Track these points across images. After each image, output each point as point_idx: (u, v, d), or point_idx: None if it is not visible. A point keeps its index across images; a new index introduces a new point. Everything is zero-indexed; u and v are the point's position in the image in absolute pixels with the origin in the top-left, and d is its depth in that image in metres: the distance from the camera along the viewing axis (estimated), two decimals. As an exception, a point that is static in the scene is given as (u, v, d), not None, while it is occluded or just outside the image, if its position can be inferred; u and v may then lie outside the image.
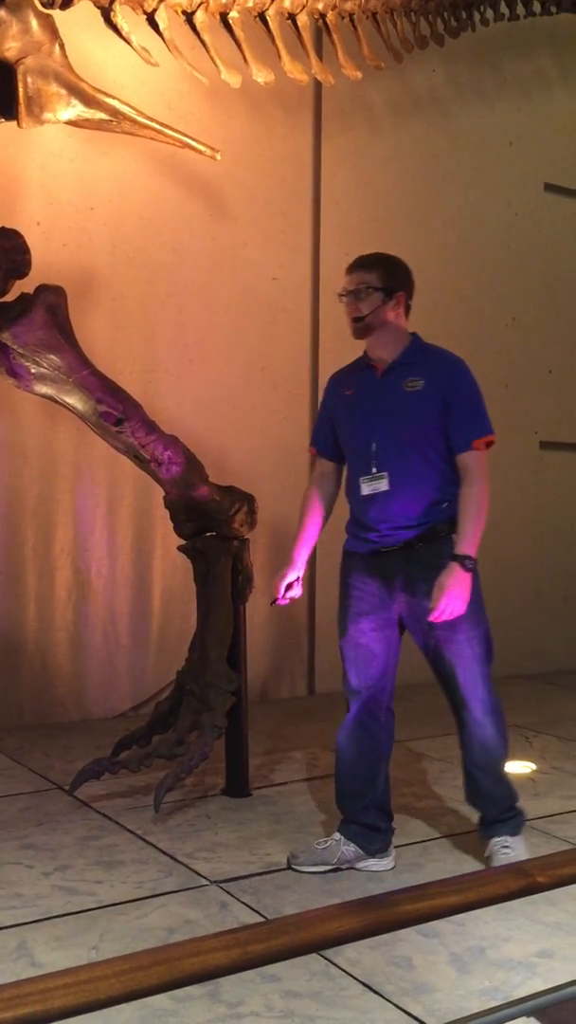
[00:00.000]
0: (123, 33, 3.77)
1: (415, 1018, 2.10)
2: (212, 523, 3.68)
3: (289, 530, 5.49)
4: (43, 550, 4.80)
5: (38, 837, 3.19)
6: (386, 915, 1.24)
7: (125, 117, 3.72)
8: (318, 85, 5.17)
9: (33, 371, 3.41)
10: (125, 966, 1.10)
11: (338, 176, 5.55)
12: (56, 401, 3.53)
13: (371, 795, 3.01)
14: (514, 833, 3.00)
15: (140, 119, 3.78)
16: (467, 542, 2.84)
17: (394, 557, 2.93)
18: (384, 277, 2.98)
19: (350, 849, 2.97)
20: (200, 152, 3.91)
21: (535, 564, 6.27)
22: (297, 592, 3.12)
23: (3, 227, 3.44)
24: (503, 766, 3.06)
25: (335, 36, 4.29)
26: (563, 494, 6.44)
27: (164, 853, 3.07)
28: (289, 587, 3.10)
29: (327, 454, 3.17)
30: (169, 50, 3.85)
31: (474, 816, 3.16)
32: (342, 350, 5.40)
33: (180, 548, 3.77)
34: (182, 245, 5.10)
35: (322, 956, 2.35)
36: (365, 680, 3.02)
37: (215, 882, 2.84)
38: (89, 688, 4.90)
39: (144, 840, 3.18)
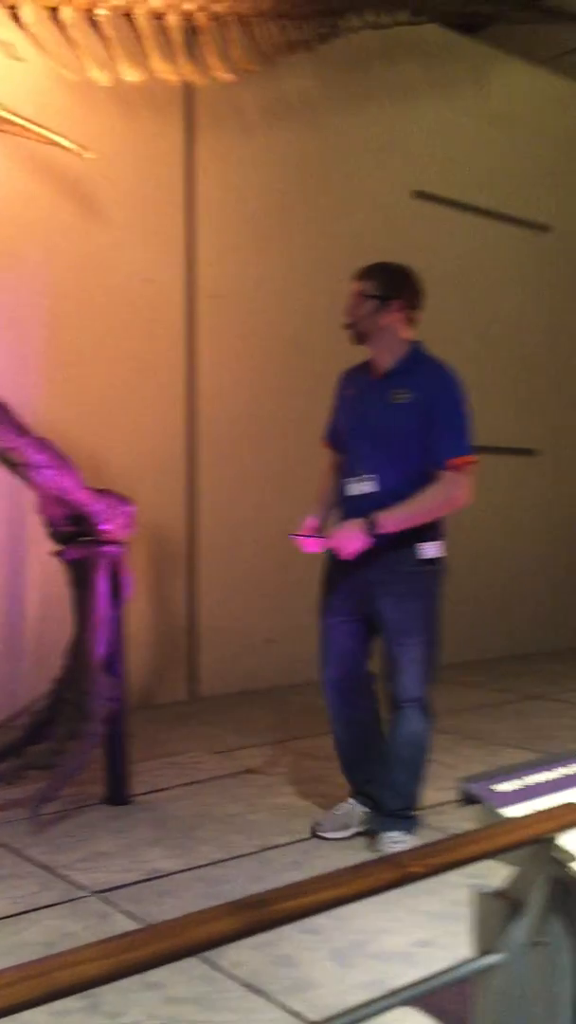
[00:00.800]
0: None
1: (297, 1015, 2.11)
2: (88, 528, 3.62)
3: (168, 534, 5.47)
4: None
5: None
6: (262, 914, 1.24)
7: (-10, 113, 3.63)
8: (189, 86, 5.15)
9: None
10: (-5, 983, 1.07)
11: (211, 177, 5.55)
12: None
13: (371, 768, 3.22)
14: (408, 832, 3.11)
15: (6, 115, 3.69)
16: (390, 513, 2.94)
17: (367, 557, 3.03)
18: (380, 286, 3.06)
19: (365, 811, 3.20)
20: (68, 150, 3.84)
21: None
22: (315, 544, 3.20)
23: None
24: (422, 768, 3.17)
25: (205, 38, 4.29)
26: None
27: (41, 866, 3.00)
28: (314, 529, 3.24)
29: (335, 444, 3.30)
30: (34, 46, 3.77)
31: (367, 811, 3.25)
32: (219, 351, 5.41)
33: (55, 554, 3.69)
34: (54, 245, 5.01)
35: (204, 960, 2.33)
36: (340, 670, 3.22)
37: (95, 892, 2.79)
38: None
39: (19, 854, 3.10)
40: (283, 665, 5.93)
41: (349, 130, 6.12)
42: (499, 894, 1.64)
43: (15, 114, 3.73)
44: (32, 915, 2.64)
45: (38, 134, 3.76)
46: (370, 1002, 1.57)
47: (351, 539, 2.98)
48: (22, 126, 3.74)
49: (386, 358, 3.09)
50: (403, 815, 3.16)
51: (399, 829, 3.11)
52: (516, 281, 7.08)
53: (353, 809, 3.24)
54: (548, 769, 1.88)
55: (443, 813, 3.51)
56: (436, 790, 3.79)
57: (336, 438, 3.28)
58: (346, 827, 3.20)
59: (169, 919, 1.22)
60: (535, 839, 1.55)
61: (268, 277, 5.78)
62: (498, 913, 1.62)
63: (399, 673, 3.10)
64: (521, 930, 1.61)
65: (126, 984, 2.17)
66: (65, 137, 3.92)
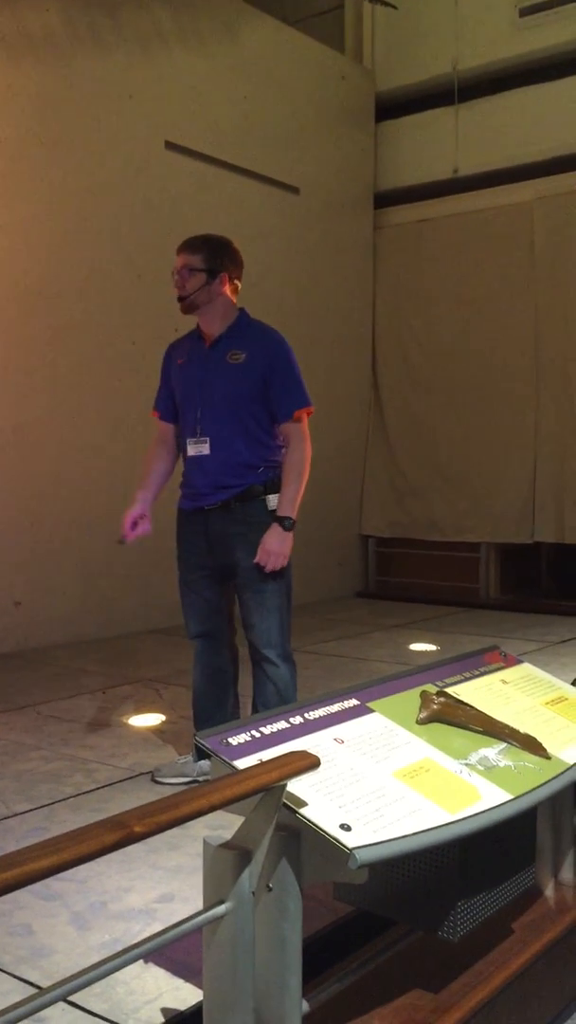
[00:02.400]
0: None
1: (32, 984, 2.06)
2: None
3: None
4: None
5: None
6: (10, 875, 1.17)
7: None
8: None
9: None
10: None
11: (-54, 112, 5.18)
12: None
13: (220, 716, 3.32)
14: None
15: None
16: (287, 504, 3.20)
17: (214, 514, 3.26)
18: (207, 259, 3.24)
19: (206, 762, 3.25)
20: None
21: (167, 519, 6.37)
22: (144, 528, 3.40)
23: None
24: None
25: None
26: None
27: None
28: (135, 525, 3.38)
29: (167, 417, 3.44)
30: None
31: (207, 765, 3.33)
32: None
33: None
34: None
35: None
36: (201, 625, 3.38)
37: None
38: None
39: None
40: (32, 628, 5.75)
41: (98, 75, 5.89)
42: (229, 844, 1.65)
43: None
44: None
45: None
46: (103, 961, 1.54)
47: (281, 547, 3.18)
48: None
49: (217, 326, 3.28)
50: None
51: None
52: (267, 240, 7.14)
53: (191, 761, 3.38)
54: (281, 719, 1.92)
55: (190, 768, 3.54)
56: (183, 746, 3.82)
57: (166, 408, 3.43)
58: (183, 776, 3.35)
59: None
60: (262, 788, 1.57)
61: (4, 225, 5.48)
62: (228, 863, 1.63)
63: (259, 622, 3.25)
64: (249, 878, 1.63)
65: None
66: None
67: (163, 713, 4.33)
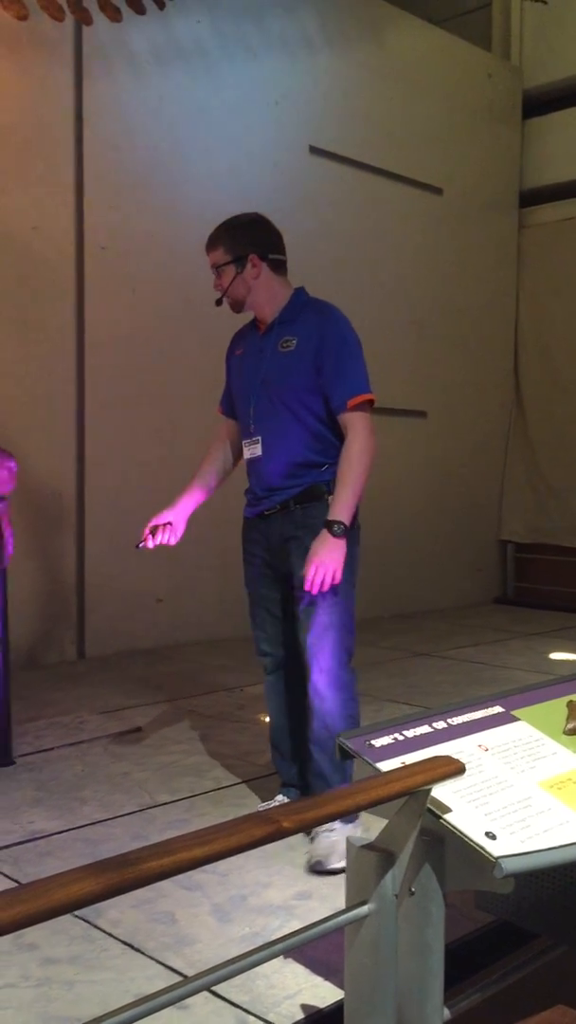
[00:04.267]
0: None
1: (176, 971, 2.12)
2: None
3: (56, 491, 5.34)
4: None
5: None
6: (127, 874, 1.22)
7: None
8: (78, 25, 4.96)
9: None
10: None
11: (102, 123, 5.38)
12: None
13: (303, 758, 2.92)
14: (344, 820, 2.69)
15: None
16: (339, 506, 2.73)
17: (275, 520, 2.89)
18: (229, 248, 2.89)
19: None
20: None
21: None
22: (167, 539, 3.03)
23: None
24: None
25: (93, -25, 4.13)
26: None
27: None
28: (156, 531, 3.02)
29: (229, 413, 3.13)
30: None
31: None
32: (108, 302, 5.29)
33: None
34: None
35: (83, 919, 2.32)
36: (272, 643, 2.99)
37: (-21, 853, 2.74)
38: None
39: None
40: (172, 624, 5.90)
41: (244, 81, 6.00)
42: (372, 846, 1.66)
43: None
44: None
45: None
46: (246, 954, 1.57)
47: (331, 564, 2.70)
48: None
49: (268, 311, 2.92)
50: None
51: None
52: (410, 242, 7.11)
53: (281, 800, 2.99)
54: (424, 723, 1.91)
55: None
56: (321, 746, 3.84)
57: (229, 404, 3.12)
58: None
59: (28, 883, 1.19)
60: (407, 791, 1.57)
61: (159, 228, 5.65)
62: (371, 865, 1.63)
63: (309, 641, 2.80)
64: (392, 881, 1.63)
65: (2, 946, 2.14)
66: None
67: (300, 713, 4.36)
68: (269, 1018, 1.93)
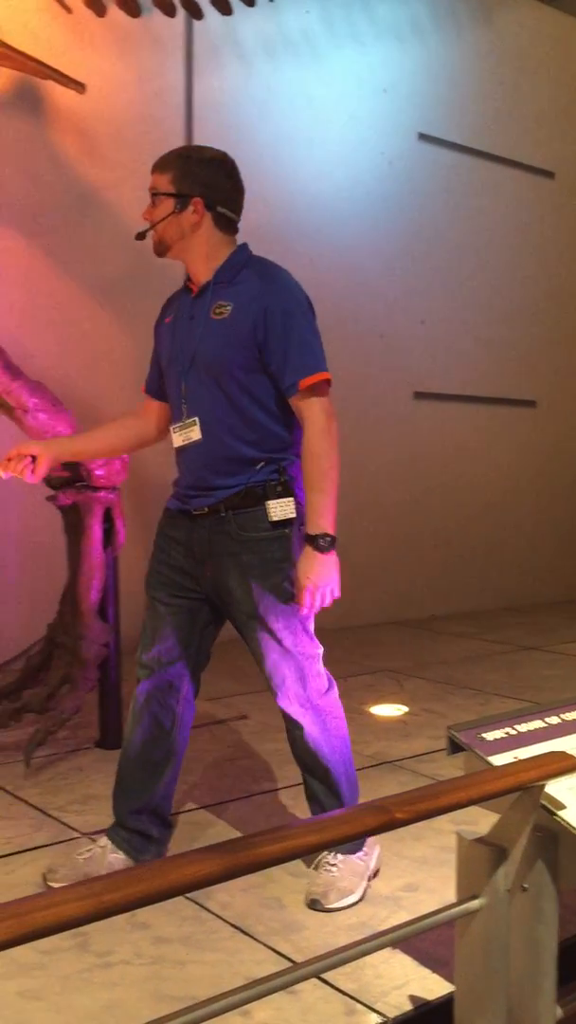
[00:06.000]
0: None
1: (285, 956, 2.14)
2: (82, 473, 3.59)
3: (165, 481, 5.44)
4: None
5: None
6: (243, 857, 1.24)
7: (-17, 45, 3.53)
8: (189, 21, 5.02)
9: None
10: (-26, 922, 1.06)
11: (211, 117, 5.43)
12: None
13: (148, 797, 2.53)
14: (348, 851, 2.47)
15: (2, 49, 3.59)
16: (317, 515, 2.31)
17: (202, 523, 2.42)
18: (175, 180, 2.37)
19: (119, 859, 2.52)
20: (65, 84, 3.75)
21: (408, 513, 6.39)
22: (25, 474, 2.42)
23: None
24: (338, 772, 2.50)
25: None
26: (436, 443, 6.56)
27: (34, 807, 3.03)
28: (14, 461, 2.43)
29: (151, 390, 2.61)
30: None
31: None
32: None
33: (49, 499, 3.67)
34: (47, 184, 4.91)
35: (193, 901, 2.36)
36: (155, 655, 2.51)
37: (86, 834, 2.82)
38: (-42, 644, 4.77)
39: (14, 795, 3.12)
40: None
41: (353, 70, 5.98)
42: (484, 840, 1.64)
43: (13, 48, 3.62)
44: (24, 855, 2.67)
45: (37, 67, 3.66)
46: (355, 944, 1.58)
47: (322, 577, 2.31)
48: (20, 60, 3.63)
49: (202, 270, 2.41)
50: None
51: (337, 850, 2.46)
52: (520, 228, 6.97)
53: (103, 855, 2.54)
54: (536, 718, 1.88)
55: (432, 761, 3.54)
56: (429, 739, 3.82)
57: (155, 381, 2.59)
58: (85, 876, 2.47)
59: (150, 861, 1.22)
60: (520, 786, 1.55)
61: (268, 220, 5.68)
62: (482, 859, 1.62)
63: (270, 670, 2.43)
64: (505, 876, 1.61)
65: (115, 924, 2.20)
66: (62, 72, 3.81)
67: (405, 704, 4.35)
68: (377, 1007, 1.93)
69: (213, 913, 2.33)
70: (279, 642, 2.39)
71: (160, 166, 2.41)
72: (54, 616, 3.65)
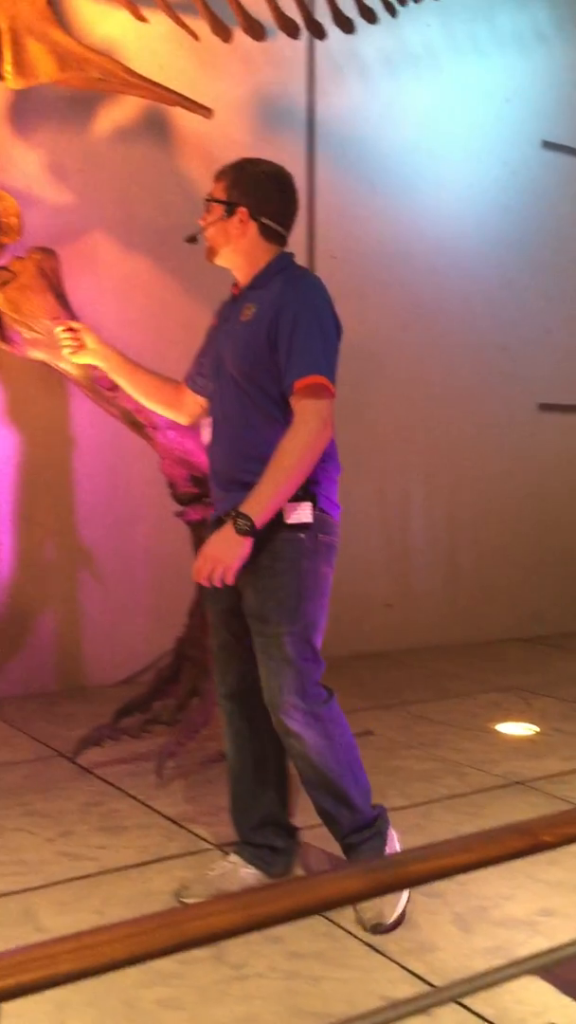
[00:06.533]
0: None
1: (419, 977, 2.11)
2: (209, 490, 3.65)
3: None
4: (41, 519, 4.79)
5: (41, 804, 3.20)
6: (391, 875, 1.23)
7: (116, 75, 3.65)
8: (311, 40, 5.07)
9: (26, 336, 3.37)
10: (129, 930, 1.08)
11: (332, 133, 5.47)
12: (51, 366, 3.49)
13: (262, 809, 2.56)
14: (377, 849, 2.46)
15: (131, 77, 3.71)
16: (254, 499, 2.26)
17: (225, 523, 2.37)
18: (227, 189, 2.47)
19: (251, 873, 2.52)
20: (193, 110, 3.84)
21: (535, 526, 6.26)
22: (71, 344, 2.64)
23: (-7, 189, 3.39)
24: (346, 781, 2.44)
25: (328, -10, 4.21)
26: (562, 455, 6.42)
27: (166, 818, 3.08)
28: (68, 332, 2.64)
29: (187, 383, 2.71)
30: (159, 6, 3.77)
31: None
32: (347, 311, 5.30)
33: (177, 514, 3.75)
34: (172, 205, 5.02)
35: (326, 917, 2.36)
36: (228, 674, 2.55)
37: (218, 846, 2.85)
38: (88, 656, 4.90)
39: (146, 805, 3.19)
40: (401, 629, 5.90)
41: (474, 81, 5.93)
42: (633, 867, 1.59)
43: (140, 76, 3.73)
44: (158, 864, 2.72)
45: (165, 94, 3.76)
46: (496, 969, 1.54)
47: (220, 552, 2.26)
48: (147, 87, 3.74)
49: (243, 276, 2.51)
50: (353, 843, 2.46)
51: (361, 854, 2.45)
52: None
53: (235, 871, 2.53)
54: None
55: (565, 782, 3.45)
56: (561, 759, 3.73)
57: (194, 374, 2.69)
58: (218, 892, 2.47)
59: (298, 876, 1.23)
60: None
61: (389, 236, 5.68)
62: (632, 886, 1.56)
63: (267, 678, 2.39)
64: None
65: (249, 937, 2.21)
66: (188, 98, 3.90)
67: (534, 723, 4.25)
68: (517, 1034, 1.89)
69: (346, 930, 2.32)
70: (281, 647, 2.36)
71: (218, 174, 2.52)
72: (182, 630, 3.71)
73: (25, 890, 2.56)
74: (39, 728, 4.09)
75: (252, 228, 2.45)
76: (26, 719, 4.23)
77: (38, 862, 2.74)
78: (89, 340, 2.66)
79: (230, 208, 2.45)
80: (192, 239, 2.58)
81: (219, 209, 2.47)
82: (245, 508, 2.26)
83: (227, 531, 2.27)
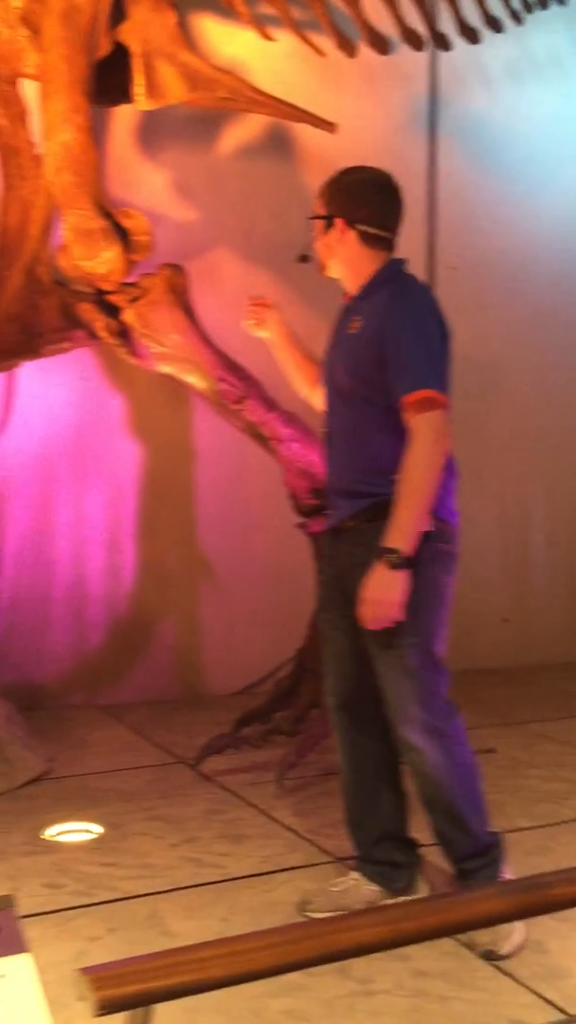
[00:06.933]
0: (239, 9, 3.76)
1: (551, 1003, 2.06)
2: (331, 501, 3.66)
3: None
4: (163, 529, 4.88)
5: (164, 809, 3.25)
6: (538, 897, 1.20)
7: (243, 94, 3.71)
8: (434, 52, 5.05)
9: (155, 350, 3.45)
10: (278, 939, 1.10)
11: (455, 145, 5.43)
12: (178, 379, 3.57)
13: (379, 824, 2.53)
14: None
15: (257, 95, 3.76)
16: (395, 530, 2.25)
17: (343, 538, 2.44)
18: (324, 204, 2.51)
19: (373, 890, 2.51)
20: (317, 125, 3.87)
21: None
22: (264, 313, 2.79)
23: (126, 208, 3.48)
24: (463, 804, 2.41)
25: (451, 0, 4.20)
26: None
27: (288, 829, 3.09)
28: (257, 307, 2.80)
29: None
30: (285, 24, 3.82)
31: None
32: (455, 323, 5.27)
33: (299, 526, 3.77)
34: (294, 222, 5.06)
35: (453, 936, 2.32)
36: (341, 684, 2.53)
37: (340, 859, 2.84)
38: (206, 665, 4.96)
39: (267, 815, 3.20)
40: (519, 645, 5.78)
41: (601, 87, 5.80)
42: None
43: (266, 94, 3.78)
44: (281, 875, 2.73)
45: (288, 111, 3.80)
46: None
47: (384, 600, 2.26)
48: (272, 105, 3.79)
49: (350, 286, 2.53)
50: (469, 868, 2.41)
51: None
52: None
53: (356, 888, 2.52)
54: None
55: None
56: None
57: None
58: (343, 910, 2.29)
59: (443, 894, 1.21)
60: None
61: (511, 246, 5.60)
62: None
63: (389, 690, 2.37)
64: None
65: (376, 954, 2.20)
66: (312, 114, 3.94)
67: None
68: None
69: (472, 950, 2.28)
70: (402, 658, 2.33)
71: (319, 191, 2.55)
72: (302, 641, 3.73)
73: (151, 893, 2.61)
74: (159, 734, 4.17)
75: (351, 236, 2.46)
76: (146, 725, 4.30)
77: (163, 866, 2.78)
78: (271, 319, 2.78)
79: (328, 221, 2.49)
80: (304, 258, 2.62)
81: (320, 224, 2.51)
82: (389, 542, 2.25)
83: (380, 571, 2.26)
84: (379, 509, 2.33)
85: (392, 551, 2.24)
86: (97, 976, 1.00)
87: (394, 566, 2.24)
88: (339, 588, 2.46)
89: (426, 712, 2.35)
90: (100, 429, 4.80)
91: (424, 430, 2.27)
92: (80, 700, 4.69)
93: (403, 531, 2.25)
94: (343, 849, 2.90)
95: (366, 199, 2.48)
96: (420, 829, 2.59)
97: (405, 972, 2.18)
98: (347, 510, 2.42)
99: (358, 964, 2.17)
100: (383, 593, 2.25)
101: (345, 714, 2.53)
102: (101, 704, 4.63)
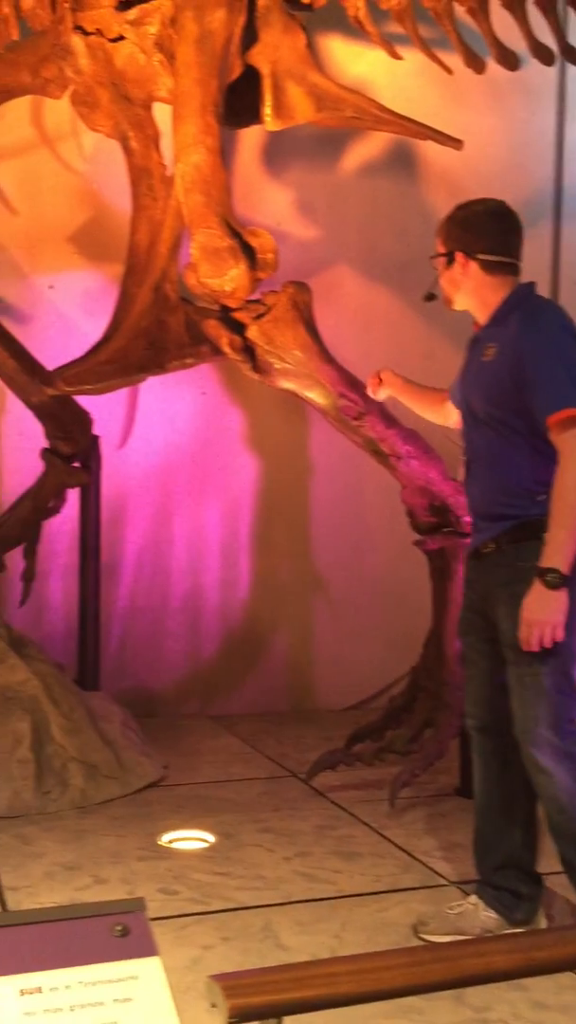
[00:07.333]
0: (367, 29, 3.78)
1: None
2: (450, 519, 3.63)
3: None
4: (278, 542, 4.92)
5: (276, 822, 3.26)
6: None
7: (369, 112, 3.73)
8: (563, 67, 4.98)
9: (277, 367, 3.48)
10: (407, 959, 1.09)
11: (581, 160, 5.34)
12: (298, 395, 3.60)
13: (506, 850, 2.51)
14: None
15: (383, 114, 3.77)
16: (551, 550, 2.26)
17: (487, 559, 2.46)
18: (443, 241, 2.58)
19: (491, 917, 2.48)
20: (443, 143, 3.85)
21: None
22: (379, 391, 2.98)
23: (252, 226, 3.54)
24: None
25: (585, 12, 4.13)
26: None
27: (400, 848, 3.06)
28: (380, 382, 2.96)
29: (452, 398, 2.76)
30: (413, 42, 3.83)
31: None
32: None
33: (416, 543, 3.74)
34: (416, 239, 5.06)
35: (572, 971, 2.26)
36: (480, 707, 2.54)
37: (454, 883, 2.80)
38: (318, 680, 4.97)
39: (380, 834, 3.19)
40: None
41: None
42: None
43: (392, 112, 3.79)
44: (394, 895, 2.71)
45: (414, 128, 3.79)
46: None
47: (543, 614, 2.26)
48: (399, 123, 3.79)
49: (479, 315, 2.57)
50: None
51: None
52: None
53: (475, 912, 2.50)
54: None
55: None
56: None
57: (455, 392, 2.73)
58: (460, 933, 2.42)
59: (572, 925, 1.19)
60: None
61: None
62: None
63: (521, 709, 2.37)
64: None
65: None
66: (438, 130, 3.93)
67: None
68: None
69: (593, 986, 2.22)
70: (537, 679, 2.33)
71: (436, 231, 2.63)
72: (418, 660, 3.70)
73: (265, 906, 2.62)
74: (271, 747, 4.19)
75: (473, 268, 2.51)
76: (258, 737, 4.34)
77: (276, 879, 2.80)
78: (387, 382, 2.96)
79: (449, 257, 2.54)
80: (430, 297, 2.70)
81: (442, 262, 2.57)
82: (546, 562, 2.27)
83: (538, 591, 2.27)
84: (522, 530, 2.37)
85: (551, 571, 2.26)
86: (229, 984, 1.02)
87: (553, 586, 2.26)
88: (481, 611, 2.49)
89: (556, 735, 2.33)
90: (219, 443, 4.88)
91: (571, 449, 2.29)
92: (193, 709, 4.77)
93: (560, 550, 2.26)
94: (457, 872, 2.87)
95: (483, 229, 2.53)
96: (548, 855, 2.53)
97: (523, 1003, 2.14)
98: (489, 533, 2.45)
99: (475, 991, 2.14)
100: (544, 614, 2.26)
101: (483, 736, 2.55)
102: (213, 714, 4.70)
